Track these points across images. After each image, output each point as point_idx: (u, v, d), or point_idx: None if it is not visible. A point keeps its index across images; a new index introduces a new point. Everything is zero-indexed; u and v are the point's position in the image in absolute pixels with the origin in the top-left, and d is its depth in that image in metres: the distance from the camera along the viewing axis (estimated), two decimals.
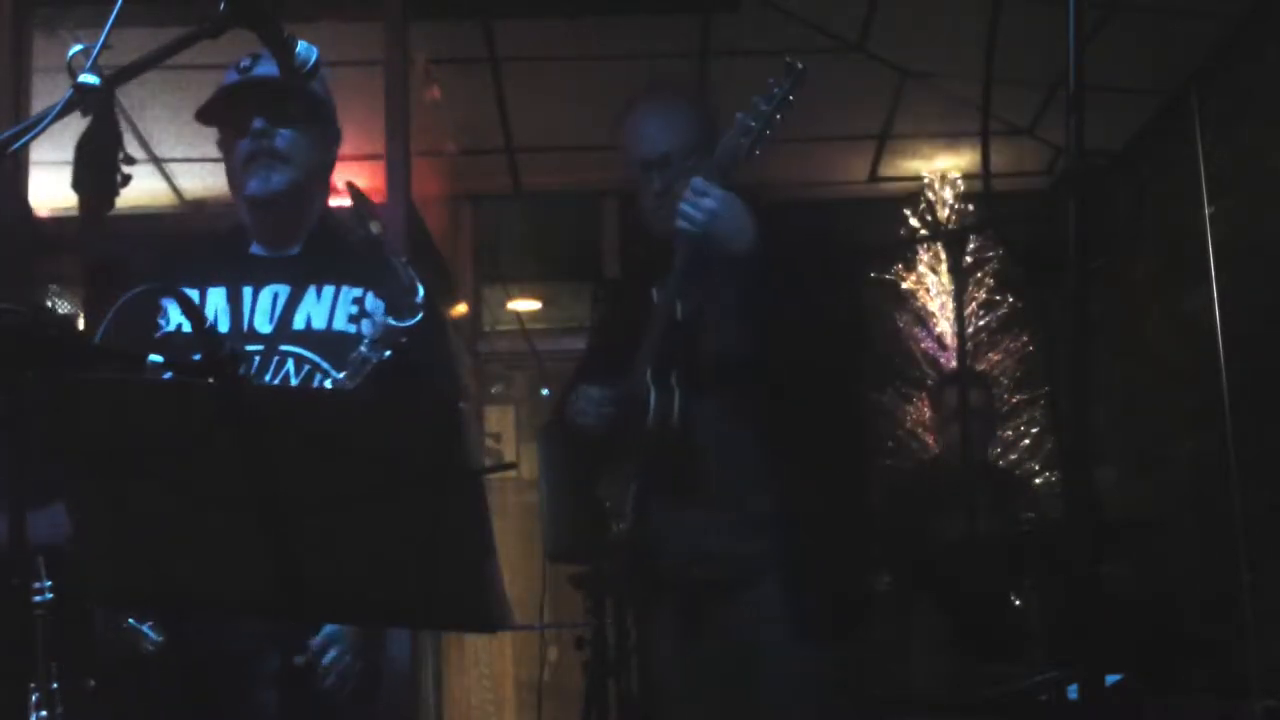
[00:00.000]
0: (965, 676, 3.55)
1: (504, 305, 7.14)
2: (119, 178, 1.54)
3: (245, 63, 2.25)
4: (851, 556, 2.56)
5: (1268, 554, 4.39)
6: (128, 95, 5.11)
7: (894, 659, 3.75)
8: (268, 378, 2.16)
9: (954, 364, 6.05)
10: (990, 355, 6.26)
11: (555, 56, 5.43)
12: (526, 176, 6.59)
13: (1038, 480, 5.94)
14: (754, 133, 2.38)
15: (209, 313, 2.24)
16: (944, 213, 6.47)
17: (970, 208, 6.44)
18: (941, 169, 6.50)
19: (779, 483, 2.47)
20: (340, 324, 2.22)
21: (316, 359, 2.17)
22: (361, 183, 2.12)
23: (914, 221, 6.49)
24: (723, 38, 5.28)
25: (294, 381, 2.15)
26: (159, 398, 1.49)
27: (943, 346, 6.31)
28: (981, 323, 6.31)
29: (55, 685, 2.16)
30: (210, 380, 1.45)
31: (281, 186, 2.25)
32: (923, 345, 6.34)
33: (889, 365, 6.14)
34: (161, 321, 2.23)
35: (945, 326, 6.32)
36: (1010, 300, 6.29)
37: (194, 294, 2.24)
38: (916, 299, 6.40)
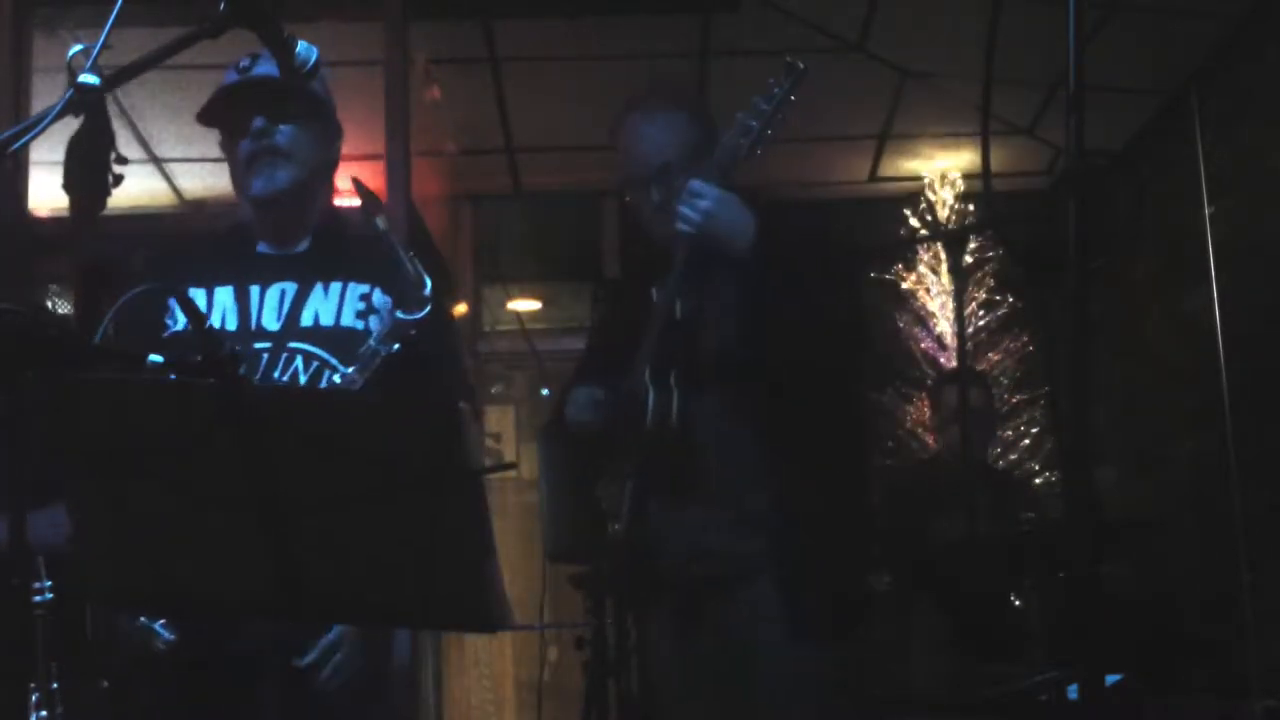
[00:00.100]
0: (965, 676, 3.55)
1: (504, 305, 7.14)
2: (111, 178, 1.54)
3: (245, 63, 2.25)
4: (851, 556, 2.56)
5: (1268, 554, 4.39)
6: (128, 95, 5.12)
7: (894, 659, 3.75)
8: (276, 374, 2.16)
9: (954, 364, 6.05)
10: (990, 355, 6.26)
11: (555, 56, 5.43)
12: (526, 176, 6.59)
13: (1038, 480, 5.94)
14: (755, 132, 2.38)
15: (217, 312, 2.24)
16: (944, 213, 6.47)
17: (970, 208, 6.44)
18: (941, 169, 6.50)
19: (778, 482, 2.47)
20: (348, 320, 2.22)
21: (325, 355, 2.18)
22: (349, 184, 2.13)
23: (914, 221, 6.49)
24: (723, 38, 5.28)
25: (303, 378, 2.16)
26: (159, 398, 1.49)
27: (943, 346, 6.31)
28: (981, 323, 6.32)
29: (55, 685, 2.16)
30: (210, 380, 1.45)
31: (285, 184, 2.25)
32: (923, 345, 6.34)
33: (889, 365, 6.14)
34: (169, 321, 2.23)
35: (945, 326, 6.32)
36: (1010, 300, 6.29)
37: (201, 293, 2.25)
38: (916, 299, 6.40)
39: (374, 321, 2.19)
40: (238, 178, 2.29)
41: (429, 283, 2.06)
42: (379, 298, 2.23)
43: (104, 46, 1.51)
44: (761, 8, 4.93)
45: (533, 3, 5.08)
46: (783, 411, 2.47)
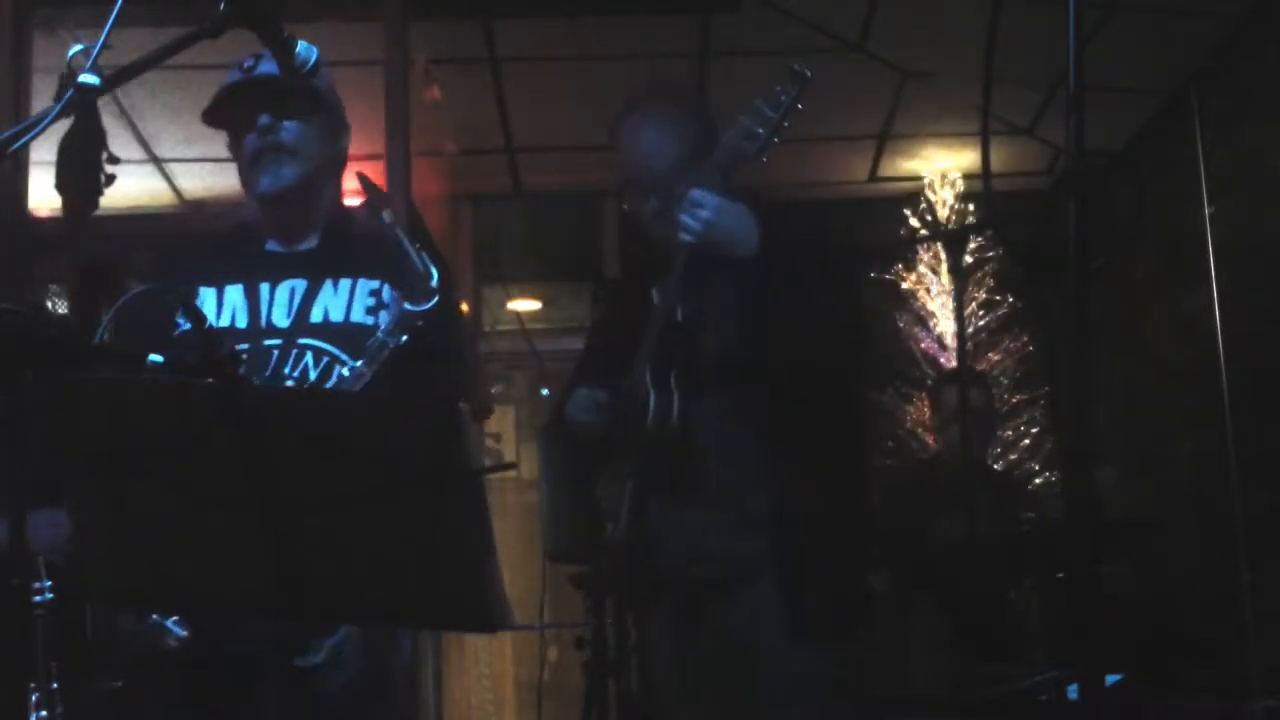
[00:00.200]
0: (965, 676, 3.55)
1: (504, 305, 7.14)
2: (103, 178, 1.54)
3: (249, 63, 2.26)
4: (851, 556, 2.56)
5: (1268, 554, 4.39)
6: (128, 95, 5.12)
7: (894, 659, 3.75)
8: (287, 371, 2.17)
9: (954, 364, 6.05)
10: (990, 355, 6.26)
11: (555, 56, 5.43)
12: (526, 176, 6.59)
13: (1038, 480, 5.94)
14: (760, 139, 2.37)
15: (226, 310, 2.25)
16: (944, 213, 6.47)
17: (970, 208, 6.44)
18: (941, 169, 6.50)
19: (778, 483, 2.47)
20: (358, 316, 2.22)
21: (335, 351, 2.18)
22: (356, 183, 2.13)
23: (914, 221, 6.49)
24: (723, 38, 5.28)
25: (313, 374, 2.16)
26: (159, 398, 1.49)
27: (943, 346, 6.31)
28: (981, 323, 6.32)
29: (55, 685, 2.16)
30: (210, 380, 1.45)
31: (292, 180, 2.26)
32: (923, 345, 6.34)
33: (889, 365, 6.14)
34: (179, 320, 2.23)
35: (945, 326, 6.32)
36: (1010, 300, 6.29)
37: (211, 292, 2.26)
38: (916, 299, 6.40)
39: (384, 317, 2.19)
40: (245, 176, 2.30)
41: (435, 274, 2.06)
42: (389, 293, 2.23)
43: (104, 46, 1.51)
44: (761, 8, 4.93)
45: (533, 3, 5.07)
46: (783, 412, 2.46)
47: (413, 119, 4.48)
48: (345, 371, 2.11)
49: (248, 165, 2.28)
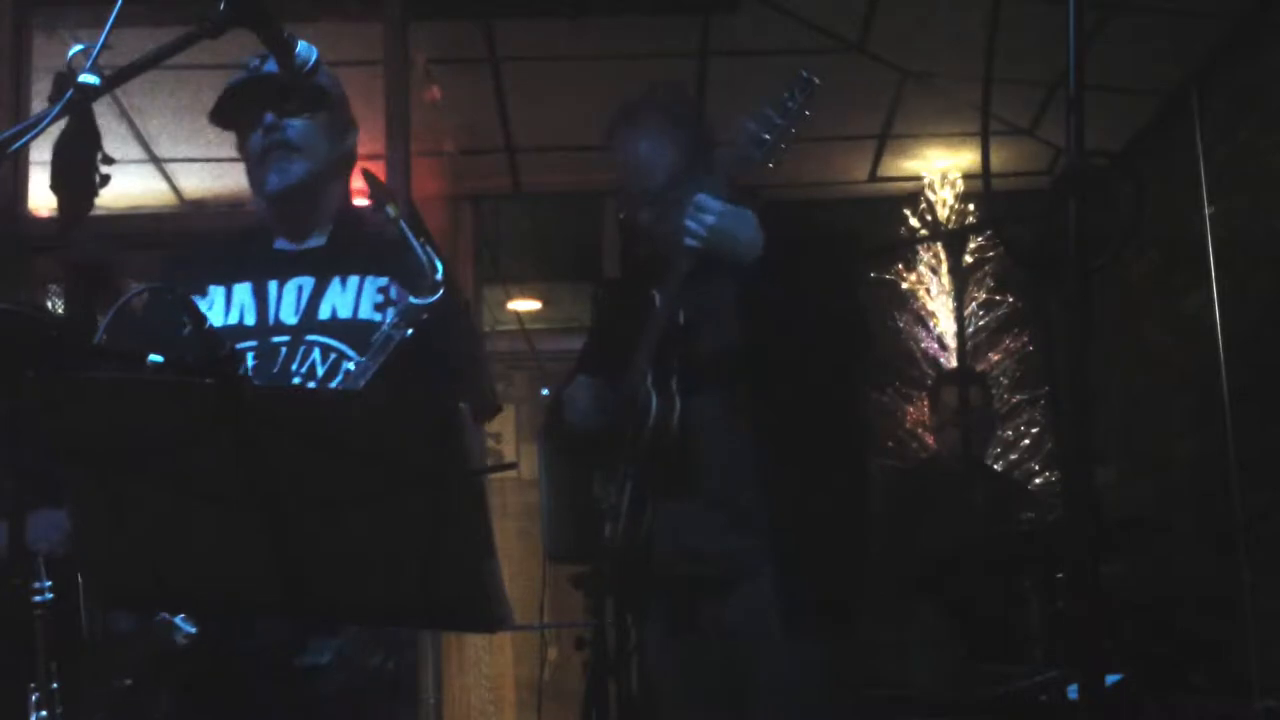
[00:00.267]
0: (965, 676, 3.55)
1: (504, 305, 7.14)
2: (98, 178, 1.54)
3: (255, 63, 2.26)
4: (849, 556, 2.56)
5: (1268, 554, 4.39)
6: (128, 95, 5.12)
7: (894, 659, 3.75)
8: (295, 367, 2.17)
9: (954, 364, 6.05)
10: (990, 355, 6.27)
11: (555, 56, 5.42)
12: (526, 176, 6.59)
13: (1038, 480, 5.94)
14: (767, 145, 2.36)
15: (235, 308, 2.26)
16: (944, 213, 6.47)
17: (970, 208, 6.44)
18: (941, 169, 6.50)
19: (777, 482, 2.47)
20: (366, 313, 2.22)
21: (343, 348, 2.18)
22: (363, 183, 2.13)
23: (914, 221, 6.49)
24: (723, 38, 5.28)
25: (321, 370, 2.16)
26: (159, 397, 1.49)
27: (943, 346, 6.31)
28: (981, 323, 6.32)
29: (55, 685, 2.16)
30: (210, 380, 1.44)
31: (298, 177, 2.26)
32: (923, 345, 6.34)
33: (889, 365, 6.14)
34: (202, 312, 2.25)
35: (945, 326, 6.32)
36: (1010, 300, 6.29)
37: (220, 290, 2.27)
38: (916, 299, 6.40)
39: (391, 313, 2.20)
40: (252, 175, 2.31)
41: (440, 267, 2.06)
42: (397, 291, 2.24)
43: (104, 46, 1.51)
44: (761, 8, 4.93)
45: (533, 3, 5.07)
46: (784, 413, 2.46)
47: (413, 119, 4.48)
48: (350, 367, 2.12)
49: (254, 164, 2.28)
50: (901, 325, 6.35)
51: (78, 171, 1.52)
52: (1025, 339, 6.23)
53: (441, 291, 2.06)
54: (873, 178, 6.66)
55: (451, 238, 6.29)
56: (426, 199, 5.19)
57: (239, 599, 1.61)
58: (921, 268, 6.45)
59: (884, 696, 3.37)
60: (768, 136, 2.36)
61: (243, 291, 2.27)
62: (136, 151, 5.72)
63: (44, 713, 2.13)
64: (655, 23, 5.15)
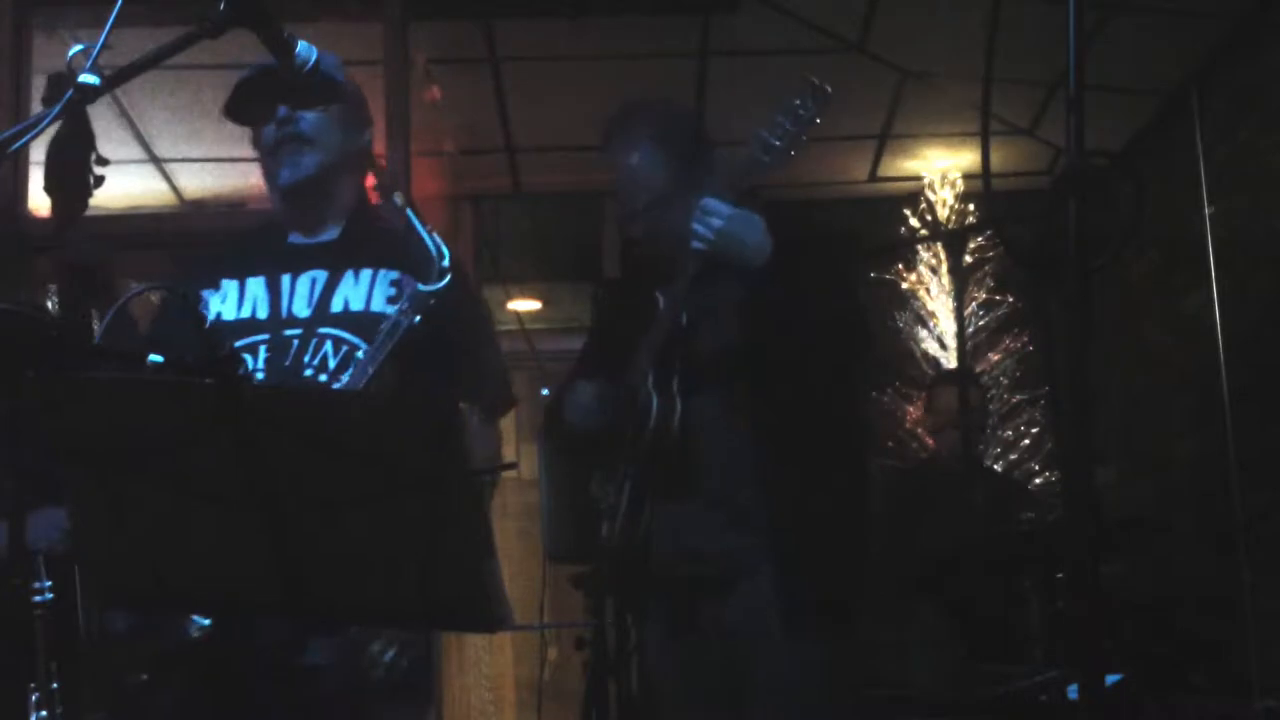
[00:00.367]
0: (965, 676, 3.55)
1: (504, 305, 7.14)
2: (92, 179, 1.54)
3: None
4: (849, 556, 2.55)
5: (1268, 554, 4.39)
6: (128, 95, 5.12)
7: (894, 659, 3.75)
8: (307, 360, 2.18)
9: (954, 364, 6.05)
10: (990, 355, 6.26)
11: (555, 56, 5.42)
12: (526, 176, 6.59)
13: (1038, 480, 5.94)
14: (776, 152, 2.36)
15: (248, 301, 2.27)
16: (944, 213, 6.47)
17: (970, 208, 6.44)
18: (941, 169, 6.50)
19: (777, 481, 2.47)
20: (378, 305, 2.23)
21: (355, 340, 2.19)
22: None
23: (914, 221, 6.49)
24: (723, 38, 5.28)
25: (333, 362, 2.17)
26: (159, 397, 1.49)
27: (943, 346, 6.31)
28: (981, 323, 6.32)
29: (55, 685, 2.16)
30: (210, 380, 1.44)
31: (311, 170, 2.28)
32: (923, 345, 6.34)
33: (889, 365, 6.14)
34: (202, 312, 2.27)
35: (945, 326, 6.32)
36: (1010, 300, 6.29)
37: (234, 285, 2.29)
38: (916, 299, 6.40)
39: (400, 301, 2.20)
40: (265, 168, 2.32)
41: (447, 253, 2.07)
42: (404, 280, 2.24)
43: (104, 46, 1.51)
44: (761, 8, 4.93)
45: (533, 3, 5.07)
46: (783, 412, 2.46)
47: (413, 119, 4.48)
48: (359, 355, 2.12)
49: (267, 156, 2.30)
50: (901, 325, 6.35)
51: (72, 172, 1.52)
52: (1025, 339, 6.23)
53: (449, 278, 2.06)
54: (873, 178, 6.66)
55: (451, 238, 6.27)
56: (426, 199, 5.19)
57: (239, 599, 1.61)
58: (921, 268, 6.45)
59: (884, 696, 3.37)
60: (778, 143, 2.36)
61: (256, 285, 2.29)
62: (136, 151, 5.72)
63: (44, 713, 2.13)
64: (655, 23, 5.15)
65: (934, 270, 6.43)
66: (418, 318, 2.07)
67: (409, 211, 2.08)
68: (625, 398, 2.51)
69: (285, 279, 2.29)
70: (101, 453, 1.48)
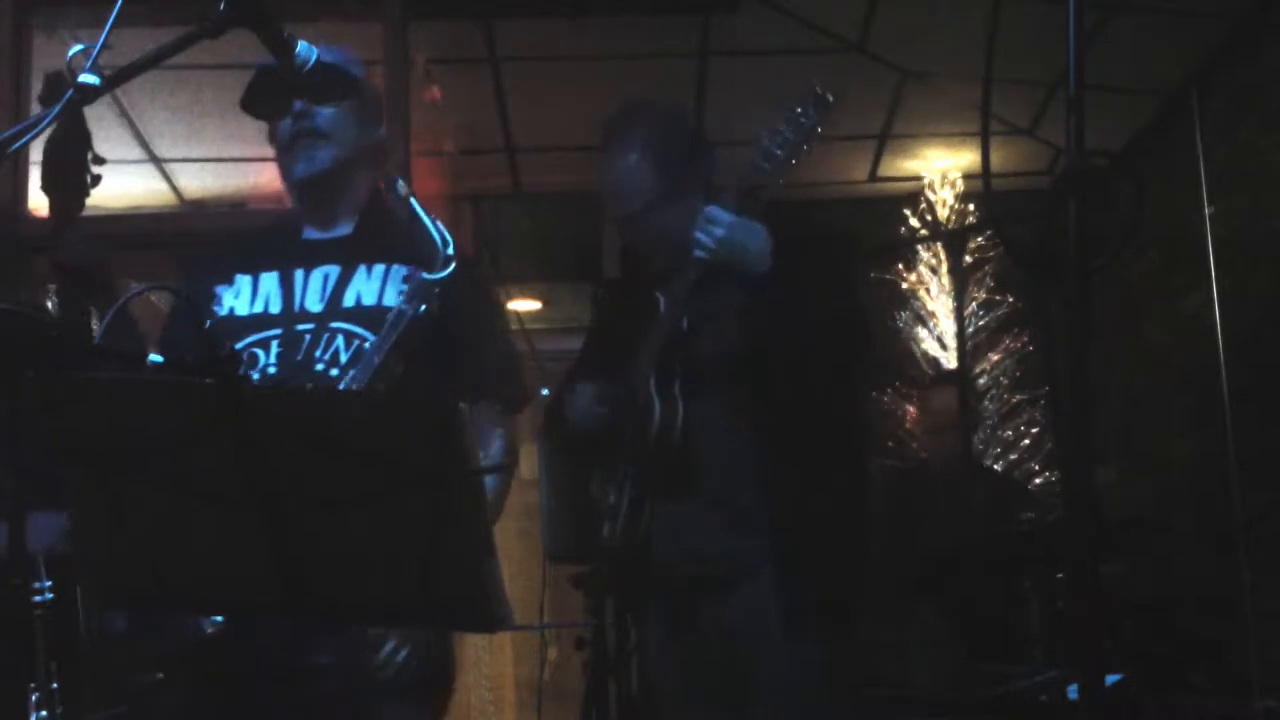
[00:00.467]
0: (965, 676, 3.55)
1: (504, 305, 7.13)
2: (89, 179, 1.54)
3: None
4: (849, 556, 2.55)
5: (1268, 554, 4.39)
6: (128, 95, 5.12)
7: (894, 659, 3.75)
8: (318, 354, 2.18)
9: (954, 364, 6.06)
10: (990, 355, 6.27)
11: (555, 56, 5.43)
12: (526, 176, 6.59)
13: (1038, 480, 5.94)
14: (779, 160, 2.36)
15: (261, 296, 2.27)
16: (944, 213, 6.47)
17: (970, 208, 6.44)
18: (941, 169, 6.50)
19: (777, 482, 2.46)
20: (391, 300, 2.23)
21: (367, 334, 2.19)
22: None
23: (914, 221, 6.49)
24: (723, 38, 5.28)
25: (344, 356, 2.16)
26: (159, 397, 1.49)
27: (943, 346, 6.31)
28: (981, 323, 6.32)
29: (55, 685, 2.16)
30: (210, 380, 1.44)
31: (326, 164, 2.28)
32: (923, 345, 6.34)
33: (889, 365, 6.14)
34: (216, 308, 2.28)
35: (945, 326, 6.32)
36: (1010, 300, 6.29)
37: (247, 280, 2.29)
38: (916, 299, 6.40)
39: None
40: (281, 162, 2.33)
41: (451, 242, 2.07)
42: (409, 270, 2.24)
43: (104, 46, 1.51)
44: (761, 8, 4.93)
45: (533, 3, 5.07)
46: (784, 413, 2.46)
47: (413, 119, 4.48)
48: (365, 346, 2.12)
49: (283, 151, 2.30)
50: (901, 325, 6.35)
51: (69, 172, 1.52)
52: (1025, 339, 6.23)
53: (453, 267, 2.06)
54: (873, 178, 6.66)
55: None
56: (426, 199, 5.18)
57: (239, 599, 1.61)
58: (921, 268, 6.45)
59: (884, 696, 3.37)
60: (779, 151, 2.35)
61: (269, 280, 2.30)
62: (136, 151, 5.72)
63: (44, 713, 2.13)
64: (655, 23, 5.15)
65: (934, 270, 6.43)
66: (423, 307, 2.07)
67: (412, 200, 2.08)
68: (625, 397, 2.51)
69: (298, 274, 2.29)
70: (101, 453, 1.48)
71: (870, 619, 2.74)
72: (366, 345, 2.14)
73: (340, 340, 2.19)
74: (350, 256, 2.29)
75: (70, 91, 1.49)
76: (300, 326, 2.22)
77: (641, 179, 2.53)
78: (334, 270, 2.28)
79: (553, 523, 3.36)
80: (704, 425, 2.48)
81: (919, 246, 6.44)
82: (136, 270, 3.62)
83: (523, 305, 7.17)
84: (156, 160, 5.89)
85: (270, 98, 2.24)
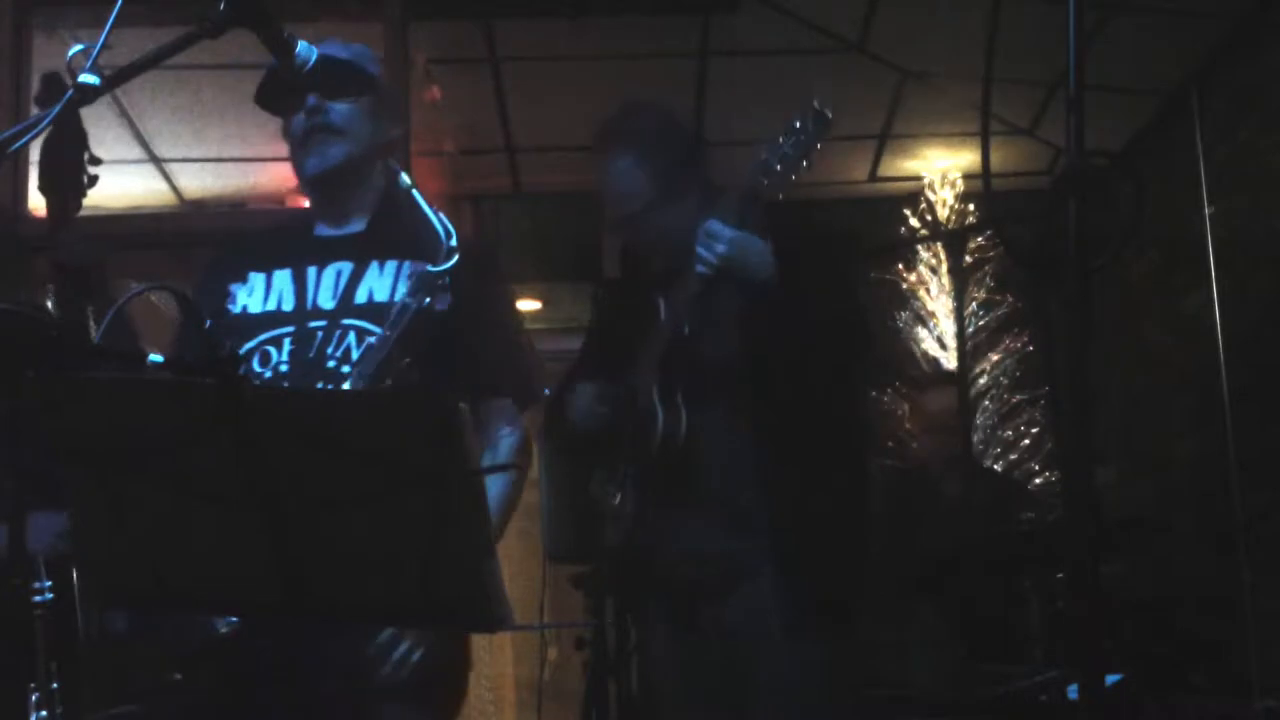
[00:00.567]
0: (965, 676, 3.55)
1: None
2: (86, 179, 1.54)
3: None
4: (849, 556, 2.55)
5: (1268, 554, 4.39)
6: (128, 95, 5.12)
7: (894, 659, 3.75)
8: (330, 351, 2.18)
9: (953, 364, 6.06)
10: (990, 355, 6.27)
11: (555, 56, 5.43)
12: (526, 176, 6.59)
13: (1038, 480, 5.94)
14: (778, 176, 2.35)
15: (274, 294, 2.27)
16: (944, 213, 6.47)
17: (970, 208, 6.44)
18: (941, 169, 6.50)
19: (778, 482, 2.46)
20: (402, 296, 2.23)
21: (379, 331, 2.18)
22: None
23: (914, 221, 6.49)
24: (723, 38, 5.28)
25: (355, 353, 2.16)
26: (159, 397, 1.49)
27: (943, 346, 6.31)
28: (981, 323, 6.32)
29: (55, 685, 2.16)
30: (210, 380, 1.44)
31: (338, 160, 2.27)
32: (923, 345, 6.34)
33: (889, 365, 6.14)
34: (230, 306, 2.28)
35: (945, 326, 6.32)
36: (1010, 300, 6.29)
37: (260, 278, 2.30)
38: (916, 299, 6.40)
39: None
40: (294, 158, 2.32)
41: (454, 233, 2.06)
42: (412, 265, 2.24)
43: (104, 46, 1.51)
44: (761, 8, 4.93)
45: (533, 3, 5.08)
46: (784, 413, 2.46)
47: (413, 119, 4.48)
48: (371, 340, 2.12)
49: (296, 146, 2.30)
50: (901, 325, 6.35)
51: (66, 173, 1.52)
52: (1025, 339, 6.23)
53: (456, 258, 2.06)
54: (873, 178, 6.66)
55: None
56: (427, 199, 5.18)
57: (239, 599, 1.61)
58: (921, 268, 6.45)
59: (884, 696, 3.37)
60: (778, 166, 2.35)
61: (283, 278, 2.29)
62: (136, 151, 5.72)
63: (44, 713, 2.13)
64: (655, 23, 5.15)
65: (934, 270, 6.43)
66: (427, 300, 2.06)
67: (415, 193, 2.08)
68: (626, 397, 2.51)
69: (311, 271, 2.29)
70: (101, 453, 1.48)
71: (870, 619, 2.74)
72: (370, 339, 2.14)
73: (352, 337, 2.19)
74: (363, 253, 2.29)
75: (70, 91, 1.49)
76: (313, 324, 2.22)
77: (637, 182, 2.53)
78: (346, 267, 2.28)
79: (553, 523, 3.37)
80: (705, 427, 2.48)
81: (919, 246, 6.44)
82: (136, 270, 3.62)
83: (523, 305, 7.17)
84: (156, 160, 5.89)
85: (284, 93, 2.25)
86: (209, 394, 1.44)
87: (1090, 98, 1.58)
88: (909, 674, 3.76)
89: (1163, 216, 5.22)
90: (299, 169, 2.31)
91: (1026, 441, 6.10)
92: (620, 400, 2.53)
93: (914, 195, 6.55)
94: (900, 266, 6.45)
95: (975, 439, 5.89)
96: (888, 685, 3.47)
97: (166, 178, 6.10)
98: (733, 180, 2.47)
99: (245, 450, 1.43)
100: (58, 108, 1.48)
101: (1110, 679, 3.02)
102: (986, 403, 6.22)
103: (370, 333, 2.17)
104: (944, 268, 6.39)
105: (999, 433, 6.07)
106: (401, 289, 2.21)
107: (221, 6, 1.59)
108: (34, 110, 1.53)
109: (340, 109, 2.26)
